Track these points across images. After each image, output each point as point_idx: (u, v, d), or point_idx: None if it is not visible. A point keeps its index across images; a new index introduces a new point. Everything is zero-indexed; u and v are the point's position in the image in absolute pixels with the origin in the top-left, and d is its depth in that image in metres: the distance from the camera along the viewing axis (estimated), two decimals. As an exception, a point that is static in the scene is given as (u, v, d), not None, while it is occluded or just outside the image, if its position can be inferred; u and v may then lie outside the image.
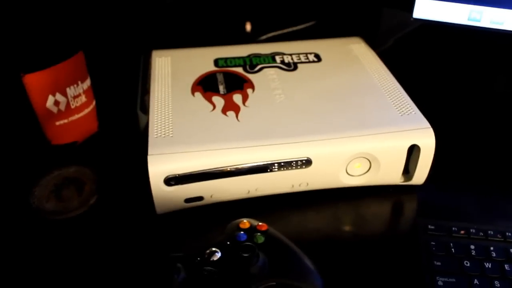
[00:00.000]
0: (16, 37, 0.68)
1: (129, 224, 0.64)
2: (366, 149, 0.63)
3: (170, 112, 0.67)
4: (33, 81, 0.68)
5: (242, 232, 0.55)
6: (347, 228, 0.64)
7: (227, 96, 0.70)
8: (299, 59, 0.80)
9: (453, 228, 0.62)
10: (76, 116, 0.74)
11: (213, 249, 0.53)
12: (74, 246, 0.62)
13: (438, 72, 0.93)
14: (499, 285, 0.55)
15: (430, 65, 0.94)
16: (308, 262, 0.55)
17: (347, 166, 0.65)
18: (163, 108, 0.68)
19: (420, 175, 0.67)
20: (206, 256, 0.52)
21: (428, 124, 0.65)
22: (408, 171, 0.68)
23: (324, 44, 0.85)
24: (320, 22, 1.03)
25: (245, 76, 0.75)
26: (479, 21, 0.77)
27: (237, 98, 0.70)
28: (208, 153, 0.61)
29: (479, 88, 0.90)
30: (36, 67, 0.67)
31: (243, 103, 0.69)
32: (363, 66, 0.78)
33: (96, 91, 0.77)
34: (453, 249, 0.59)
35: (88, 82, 0.75)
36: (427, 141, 0.64)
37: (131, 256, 0.60)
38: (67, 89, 0.71)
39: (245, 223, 0.56)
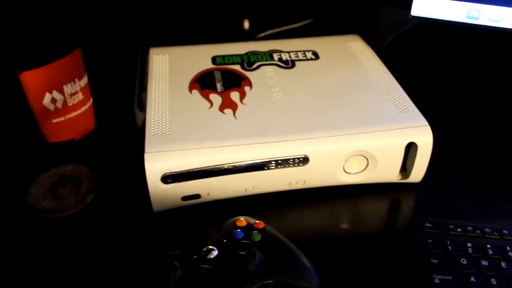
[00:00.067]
0: (13, 34, 0.68)
1: (126, 222, 0.64)
2: (363, 146, 0.63)
3: (167, 110, 0.67)
4: (30, 78, 0.68)
5: (239, 230, 0.55)
6: (344, 226, 0.64)
7: (224, 94, 0.70)
8: (297, 56, 0.80)
9: (450, 226, 0.62)
10: (73, 114, 0.74)
11: (210, 247, 0.53)
12: (71, 244, 0.62)
13: (436, 70, 0.93)
14: (495, 283, 0.55)
15: (428, 63, 0.94)
16: (305, 260, 0.55)
17: (344, 163, 0.65)
18: (160, 105, 0.68)
19: (418, 173, 0.67)
20: (203, 254, 0.52)
21: (425, 122, 0.65)
22: (405, 169, 0.68)
23: (322, 41, 0.85)
24: (318, 19, 1.03)
25: (242, 73, 0.75)
26: (477, 19, 0.76)
27: (234, 95, 0.70)
28: (205, 150, 0.61)
29: (477, 86, 0.90)
30: (33, 64, 0.67)
31: (241, 100, 0.69)
32: (361, 64, 0.78)
33: (93, 89, 0.77)
34: (450, 247, 0.59)
35: (85, 80, 0.75)
36: (424, 138, 0.64)
37: (128, 254, 0.60)
38: (64, 87, 0.71)
39: (242, 221, 0.56)
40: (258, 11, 1.04)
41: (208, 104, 0.68)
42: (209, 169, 0.61)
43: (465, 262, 0.57)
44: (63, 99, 0.72)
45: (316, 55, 0.80)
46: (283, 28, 1.01)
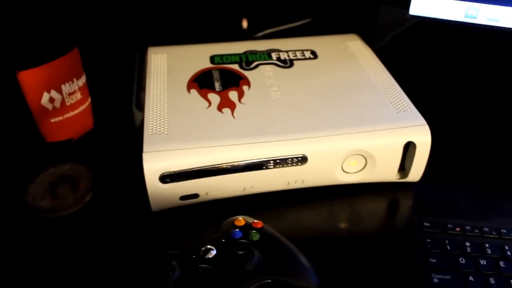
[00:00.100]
0: (11, 34, 0.68)
1: (124, 222, 0.64)
2: (362, 146, 0.63)
3: (166, 109, 0.67)
4: (28, 78, 0.68)
5: (237, 230, 0.55)
6: (342, 225, 0.64)
7: (222, 93, 0.70)
8: (295, 56, 0.80)
9: (449, 225, 0.62)
10: (71, 113, 0.74)
11: (208, 246, 0.53)
12: (69, 244, 0.62)
13: (434, 69, 0.93)
14: (494, 282, 0.55)
15: (427, 62, 0.94)
16: (303, 259, 0.55)
17: (343, 163, 0.65)
18: (158, 105, 0.68)
19: (416, 172, 0.67)
20: (201, 253, 0.52)
21: (424, 121, 0.65)
22: (404, 168, 0.68)
23: (320, 41, 0.85)
24: (317, 19, 1.03)
25: (241, 73, 0.75)
26: (475, 18, 0.77)
27: (232, 95, 0.70)
28: (203, 150, 0.61)
29: (475, 85, 0.90)
30: (31, 64, 0.67)
31: (239, 100, 0.69)
32: (360, 63, 0.78)
33: (91, 88, 0.77)
34: (448, 246, 0.59)
35: (83, 79, 0.75)
36: (423, 138, 0.64)
37: (126, 254, 0.60)
38: (62, 86, 0.71)
39: (241, 220, 0.56)
40: (257, 10, 1.04)
41: (207, 104, 0.68)
42: (208, 168, 0.61)
43: (463, 262, 0.57)
44: (61, 99, 0.72)
45: (314, 55, 0.80)
46: (282, 27, 1.01)
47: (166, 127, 0.64)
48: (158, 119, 0.65)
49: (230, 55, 0.79)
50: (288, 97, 0.69)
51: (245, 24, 1.04)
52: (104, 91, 0.82)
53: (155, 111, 0.67)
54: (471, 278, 0.56)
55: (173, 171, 0.60)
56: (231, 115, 0.66)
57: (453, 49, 0.95)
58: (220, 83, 0.72)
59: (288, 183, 0.65)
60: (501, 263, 0.57)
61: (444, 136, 0.72)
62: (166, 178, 0.60)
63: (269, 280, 0.52)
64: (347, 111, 0.67)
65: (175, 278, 0.50)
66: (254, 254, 0.52)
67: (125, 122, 0.76)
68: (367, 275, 0.58)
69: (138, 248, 0.61)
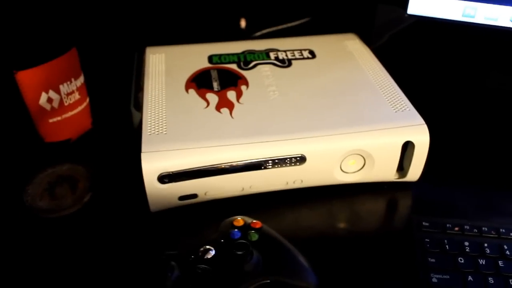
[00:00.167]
0: (8, 34, 0.67)
1: (123, 222, 0.64)
2: (360, 146, 0.63)
3: (164, 109, 0.67)
4: (26, 78, 0.67)
5: (236, 230, 0.55)
6: (341, 225, 0.64)
7: (221, 93, 0.70)
8: (294, 55, 0.80)
9: (448, 225, 0.62)
10: (70, 114, 0.74)
11: (207, 247, 0.53)
12: (68, 244, 0.61)
13: (432, 68, 0.93)
14: (493, 282, 0.55)
15: (425, 61, 0.94)
16: (302, 259, 0.55)
17: (341, 163, 0.65)
18: (156, 105, 0.68)
19: (415, 172, 0.67)
20: (200, 254, 0.52)
21: (422, 121, 0.65)
22: (402, 167, 0.68)
23: (318, 40, 0.85)
24: (315, 18, 1.03)
25: (239, 72, 0.75)
26: (473, 17, 0.77)
27: (231, 95, 0.70)
28: (202, 150, 0.61)
29: (473, 84, 0.90)
30: (29, 64, 0.67)
31: (237, 100, 0.69)
32: (358, 63, 0.78)
33: (89, 88, 0.77)
34: (447, 246, 0.59)
35: (81, 79, 0.75)
36: (421, 137, 0.64)
37: (125, 254, 0.60)
38: (61, 86, 0.71)
39: (239, 220, 0.56)
40: (255, 10, 1.04)
41: (205, 104, 0.68)
42: (206, 168, 0.61)
43: (462, 261, 0.57)
44: (60, 99, 0.72)
45: (312, 54, 0.80)
46: (280, 27, 1.01)
47: (165, 127, 0.64)
48: (157, 119, 0.65)
49: (228, 54, 0.79)
50: (286, 97, 0.69)
51: (243, 23, 1.04)
52: (102, 91, 0.82)
53: (153, 111, 0.67)
54: (470, 278, 0.56)
55: (171, 171, 0.60)
56: (229, 115, 0.66)
57: (451, 49, 0.95)
58: (218, 83, 0.72)
59: (287, 183, 0.65)
60: (500, 263, 0.57)
61: (443, 135, 0.72)
62: (165, 178, 0.60)
63: (268, 281, 0.52)
64: (346, 110, 0.67)
65: (174, 279, 0.50)
66: (253, 254, 0.52)
67: (123, 122, 0.76)
68: (366, 275, 0.58)
69: (137, 248, 0.61)
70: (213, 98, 0.69)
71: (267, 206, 0.66)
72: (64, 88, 0.72)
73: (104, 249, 0.61)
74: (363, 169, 0.66)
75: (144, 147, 0.60)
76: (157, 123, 0.64)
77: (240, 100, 0.69)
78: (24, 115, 0.70)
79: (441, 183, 0.70)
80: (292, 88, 0.71)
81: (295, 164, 0.63)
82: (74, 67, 0.73)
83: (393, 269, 0.58)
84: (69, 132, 0.75)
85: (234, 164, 0.61)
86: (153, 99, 0.69)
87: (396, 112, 0.67)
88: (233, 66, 0.76)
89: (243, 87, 0.71)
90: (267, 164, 0.62)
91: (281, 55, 0.79)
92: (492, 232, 0.61)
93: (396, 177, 0.68)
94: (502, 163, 0.73)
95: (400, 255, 0.60)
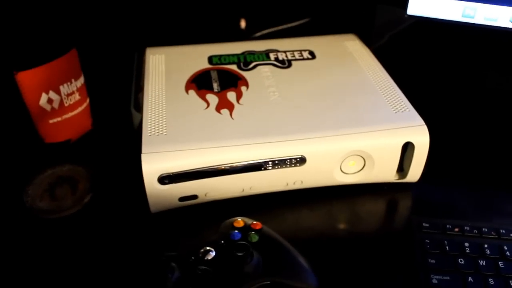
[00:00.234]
0: (9, 34, 0.67)
1: (123, 223, 0.64)
2: (360, 146, 0.63)
3: (164, 110, 0.67)
4: (26, 79, 0.67)
5: (236, 231, 0.55)
6: (341, 226, 0.64)
7: (221, 94, 0.70)
8: (293, 56, 0.80)
9: (448, 226, 0.62)
10: (70, 114, 0.74)
11: (207, 248, 0.53)
12: (68, 245, 0.61)
13: (432, 69, 0.93)
14: (493, 283, 0.55)
15: (424, 62, 0.94)
16: (302, 260, 0.55)
17: (341, 164, 0.65)
18: (156, 106, 0.68)
19: (415, 173, 0.67)
20: (200, 255, 0.52)
21: (422, 122, 0.65)
22: (402, 168, 0.68)
23: (318, 41, 0.85)
24: (315, 19, 1.03)
25: (239, 73, 0.75)
26: (473, 17, 0.77)
27: (231, 95, 0.70)
28: (202, 151, 0.61)
29: (473, 85, 0.90)
30: (29, 64, 0.67)
31: (237, 100, 0.69)
32: (358, 63, 0.78)
33: (89, 89, 0.77)
34: (447, 247, 0.59)
35: (81, 80, 0.75)
36: (421, 138, 0.64)
37: (125, 255, 0.60)
38: (61, 87, 0.71)
39: (239, 221, 0.56)
40: (255, 11, 1.04)
41: (205, 104, 0.68)
42: (206, 169, 0.61)
43: (462, 262, 0.57)
44: (60, 100, 0.72)
45: (312, 55, 0.80)
46: (280, 28, 1.01)
47: (165, 128, 0.64)
48: (157, 120, 0.65)
49: (228, 55, 0.79)
50: (286, 98, 0.69)
51: (243, 24, 1.04)
52: (102, 92, 0.82)
53: (153, 112, 0.67)
54: (470, 278, 0.56)
55: (172, 172, 0.60)
56: (229, 116, 0.66)
57: (451, 49, 0.95)
58: (218, 83, 0.72)
59: (287, 184, 0.65)
60: (500, 264, 0.57)
61: (443, 136, 0.72)
62: (165, 179, 0.60)
63: (268, 282, 0.52)
64: (345, 111, 0.67)
65: (174, 280, 0.50)
66: (253, 255, 0.52)
67: (123, 123, 0.76)
68: (366, 276, 0.58)
69: (137, 249, 0.61)
70: (213, 99, 0.69)
71: (267, 207, 0.66)
72: (64, 89, 0.72)
73: (105, 250, 0.61)
74: (363, 170, 0.66)
75: (144, 148, 0.60)
76: (157, 124, 0.64)
77: (240, 101, 0.69)
78: (24, 116, 0.70)
79: (441, 184, 0.70)
80: (292, 89, 0.71)
81: (295, 165, 0.63)
82: (74, 68, 0.73)
83: (393, 270, 0.58)
84: (69, 133, 0.75)
85: (234, 165, 0.61)
86: (153, 100, 0.69)
87: (396, 113, 0.67)
88: (233, 67, 0.76)
89: (243, 88, 0.71)
90: (267, 165, 0.62)
91: (281, 56, 0.79)
92: (492, 233, 0.61)
93: (396, 178, 0.68)
94: (502, 163, 0.73)
95: (400, 256, 0.60)
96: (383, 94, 0.70)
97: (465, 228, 0.61)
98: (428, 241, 0.60)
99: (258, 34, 1.00)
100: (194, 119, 0.65)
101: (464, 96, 0.87)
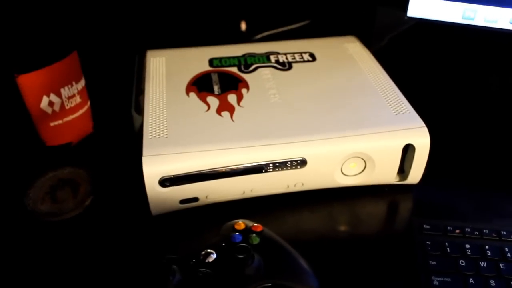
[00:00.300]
0: (10, 37, 0.68)
1: (124, 226, 0.64)
2: (361, 148, 0.63)
3: (165, 113, 0.67)
4: (27, 81, 0.68)
5: (237, 233, 0.55)
6: (342, 228, 0.64)
7: (221, 96, 0.70)
8: (294, 58, 0.80)
9: (449, 228, 0.62)
10: (71, 117, 0.74)
11: (208, 250, 0.53)
12: (70, 248, 0.62)
13: (432, 70, 0.93)
14: (494, 284, 0.55)
15: (425, 63, 0.94)
16: (303, 262, 0.55)
17: (342, 166, 0.65)
18: (157, 108, 0.68)
19: (415, 175, 0.67)
20: (201, 257, 0.52)
21: (422, 123, 0.65)
22: (403, 170, 0.68)
23: (318, 43, 0.85)
24: (315, 21, 1.03)
25: (239, 76, 0.75)
26: (473, 19, 0.77)
27: (231, 98, 0.70)
28: (203, 153, 0.61)
29: (473, 87, 0.91)
30: (30, 67, 0.67)
31: (238, 103, 0.69)
32: (358, 65, 0.78)
33: (90, 92, 0.77)
34: (448, 249, 0.59)
35: (82, 83, 0.75)
36: (422, 140, 0.64)
37: (126, 258, 0.60)
38: (62, 90, 0.71)
39: (240, 224, 0.56)
40: (255, 13, 1.04)
41: (206, 107, 0.68)
42: (207, 172, 0.61)
43: (463, 264, 0.57)
44: (61, 102, 0.72)
45: (313, 57, 0.80)
46: (280, 30, 1.01)
47: (166, 130, 0.64)
48: (157, 123, 0.65)
49: (228, 58, 0.79)
50: (287, 100, 0.69)
51: (243, 26, 1.04)
52: (103, 95, 0.82)
53: (154, 114, 0.67)
54: (471, 280, 0.56)
55: (172, 175, 0.60)
56: (230, 118, 0.66)
57: (451, 51, 0.95)
58: (219, 86, 0.72)
59: (288, 186, 0.65)
60: (501, 265, 0.57)
61: (443, 138, 0.72)
62: (166, 182, 0.60)
63: (269, 284, 0.52)
64: (346, 113, 0.67)
65: (175, 282, 0.50)
66: (254, 257, 0.52)
67: (124, 126, 0.76)
68: (367, 278, 0.58)
69: (138, 252, 0.61)
70: (213, 101, 0.69)
71: (268, 210, 0.66)
72: (65, 92, 0.72)
73: (106, 253, 0.61)
74: (363, 172, 0.66)
75: (145, 151, 0.61)
76: (158, 127, 0.64)
77: (241, 104, 0.69)
78: (25, 119, 0.70)
79: (442, 185, 0.70)
80: (293, 91, 0.71)
81: (296, 167, 0.63)
82: (75, 71, 0.73)
83: (394, 272, 0.58)
84: (70, 136, 0.75)
85: (235, 167, 0.61)
86: (154, 103, 0.69)
87: (396, 114, 0.67)
88: (234, 69, 0.77)
89: (243, 91, 0.72)
90: (268, 168, 0.62)
91: (282, 58, 0.80)
92: (493, 234, 0.61)
93: (397, 179, 0.68)
94: (503, 165, 0.73)
95: (401, 258, 0.60)
96: (384, 96, 0.70)
97: (466, 229, 0.61)
98: (429, 242, 0.60)
99: (259, 36, 1.00)
100: (195, 122, 0.65)
101: (464, 97, 0.87)
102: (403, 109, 0.68)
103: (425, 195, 0.69)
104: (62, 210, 0.66)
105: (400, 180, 0.68)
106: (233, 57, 0.80)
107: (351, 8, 1.02)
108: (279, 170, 0.62)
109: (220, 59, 0.79)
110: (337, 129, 0.64)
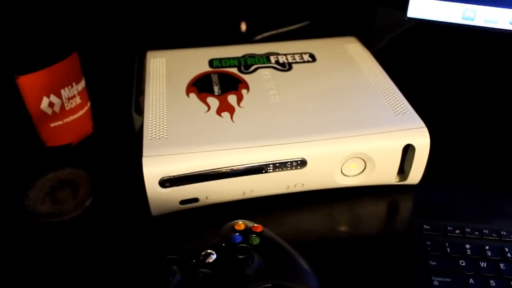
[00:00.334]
0: (10, 38, 0.68)
1: (124, 226, 0.64)
2: (361, 149, 0.63)
3: (165, 114, 0.67)
4: (27, 82, 0.68)
5: (237, 234, 0.55)
6: (342, 228, 0.64)
7: (221, 97, 0.70)
8: (294, 59, 0.80)
9: (449, 228, 0.62)
10: (71, 118, 0.74)
11: (209, 251, 0.53)
12: (70, 248, 0.62)
13: (432, 71, 0.93)
14: (494, 285, 0.55)
15: (425, 64, 0.94)
16: (303, 263, 0.55)
17: (342, 166, 0.65)
18: (157, 109, 0.68)
19: (415, 175, 0.67)
20: (201, 258, 0.52)
21: (422, 124, 0.65)
22: (403, 170, 0.68)
23: (318, 43, 0.85)
24: (315, 21, 1.03)
25: (239, 76, 0.75)
26: (473, 20, 0.77)
27: (231, 99, 0.70)
28: (203, 154, 0.61)
29: (473, 87, 0.91)
30: (30, 68, 0.67)
31: (238, 104, 0.69)
32: (358, 66, 0.78)
33: (90, 93, 0.77)
34: (448, 249, 0.59)
35: (82, 84, 0.75)
36: (421, 140, 0.64)
37: (126, 259, 0.60)
38: (62, 91, 0.71)
39: (240, 224, 0.56)
40: (255, 14, 1.04)
41: (206, 108, 0.68)
42: (207, 172, 0.61)
43: (463, 264, 0.57)
44: (61, 103, 0.72)
45: (313, 57, 0.80)
46: (280, 30, 1.01)
47: (166, 131, 0.64)
48: (158, 124, 0.65)
49: (228, 58, 0.79)
50: (287, 101, 0.70)
51: (243, 27, 1.04)
52: (103, 96, 0.82)
53: (154, 115, 0.67)
54: (471, 280, 0.56)
55: (172, 176, 0.60)
56: (230, 119, 0.66)
57: (451, 51, 0.95)
58: (219, 87, 0.72)
59: (288, 187, 0.65)
60: (502, 265, 0.57)
61: (443, 138, 0.72)
62: (166, 182, 0.60)
63: (269, 284, 0.52)
64: (346, 114, 0.67)
65: (175, 283, 0.50)
66: (254, 258, 0.52)
67: (124, 127, 0.76)
68: (367, 278, 0.58)
69: (138, 252, 0.61)
70: (214, 102, 0.69)
71: (268, 210, 0.66)
72: (65, 93, 0.72)
73: (106, 254, 0.61)
74: (364, 172, 0.66)
75: (145, 152, 0.61)
76: (158, 127, 0.64)
77: (241, 104, 0.69)
78: (25, 120, 0.70)
79: (442, 185, 0.70)
80: (293, 92, 0.71)
81: (296, 168, 0.63)
82: (75, 72, 0.73)
83: (394, 272, 0.58)
84: (70, 137, 0.76)
85: (235, 168, 0.61)
86: (154, 103, 0.69)
87: (396, 115, 0.67)
88: (234, 70, 0.77)
89: (243, 91, 0.72)
90: (268, 168, 0.62)
91: (282, 59, 0.80)
92: (493, 234, 0.61)
93: (397, 180, 0.68)
94: (503, 165, 0.73)
95: (401, 258, 0.60)
96: (384, 97, 0.70)
97: (466, 230, 0.61)
98: (429, 243, 0.60)
99: (259, 37, 1.00)
100: (195, 122, 0.65)
101: (464, 98, 0.87)
102: (403, 110, 0.68)
103: (425, 195, 0.69)
104: (62, 210, 0.66)
105: (400, 181, 0.68)
106: (233, 58, 0.80)
107: (351, 8, 1.02)
108: (279, 170, 0.62)
109: (220, 59, 0.79)
110: (337, 129, 0.64)
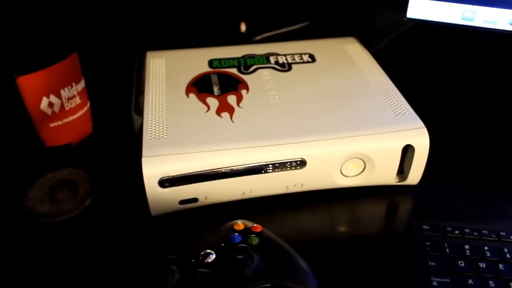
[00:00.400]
0: (10, 38, 0.68)
1: (123, 226, 0.64)
2: (360, 149, 0.63)
3: (164, 114, 0.67)
4: (27, 82, 0.68)
5: (236, 234, 0.55)
6: (342, 228, 0.64)
7: (221, 97, 0.70)
8: (294, 59, 0.80)
9: (448, 228, 0.62)
10: (71, 118, 0.74)
11: (208, 251, 0.53)
12: (69, 248, 0.62)
13: (432, 72, 0.93)
14: (493, 285, 0.55)
15: (424, 65, 0.94)
16: (302, 263, 0.55)
17: (341, 166, 0.65)
18: (157, 109, 0.68)
19: (415, 175, 0.67)
20: (200, 258, 0.52)
21: (422, 124, 0.65)
22: (402, 171, 0.68)
23: (318, 44, 0.85)
24: (315, 22, 1.03)
25: (239, 77, 0.75)
26: (472, 20, 0.77)
27: (231, 99, 0.70)
28: (202, 154, 0.61)
29: (473, 88, 0.91)
30: (30, 68, 0.67)
31: (238, 104, 0.69)
32: (358, 66, 0.78)
33: (90, 93, 0.77)
34: (447, 249, 0.59)
35: (82, 84, 0.75)
36: (421, 141, 0.64)
37: (126, 258, 0.60)
38: (61, 91, 0.71)
39: (240, 224, 0.56)
40: (255, 14, 1.04)
41: (205, 108, 0.68)
42: (207, 173, 0.61)
43: (462, 265, 0.57)
44: (61, 103, 0.72)
45: (312, 58, 0.80)
46: (280, 31, 1.01)
47: (165, 131, 0.64)
48: (157, 124, 0.65)
49: (228, 59, 0.80)
50: (286, 101, 0.70)
51: (243, 27, 1.04)
52: (103, 96, 0.82)
53: (154, 115, 0.67)
54: (470, 281, 0.56)
55: (172, 176, 0.60)
56: (229, 119, 0.66)
57: (451, 52, 0.95)
58: (218, 87, 0.72)
59: (287, 187, 0.65)
60: (501, 266, 0.57)
61: (443, 138, 0.72)
62: (165, 182, 0.60)
63: (269, 284, 0.52)
64: (346, 114, 0.67)
65: (174, 283, 0.50)
66: (254, 258, 0.52)
67: (124, 127, 0.76)
68: (366, 278, 0.58)
69: (137, 252, 0.61)
70: (213, 102, 0.69)
71: (267, 210, 0.66)
72: (65, 93, 0.72)
73: (105, 254, 0.61)
74: (363, 172, 0.66)
75: (144, 152, 0.61)
76: (158, 128, 0.64)
77: (241, 104, 0.69)
78: (25, 120, 0.70)
79: (441, 186, 0.70)
80: (292, 92, 0.71)
81: (296, 168, 0.63)
82: (75, 72, 0.73)
83: (393, 272, 0.58)
84: (70, 137, 0.76)
85: (234, 168, 0.61)
86: (154, 104, 0.69)
87: (396, 115, 0.67)
88: (234, 71, 0.77)
89: (243, 91, 0.72)
90: (268, 168, 0.62)
91: (281, 59, 0.80)
92: (492, 235, 0.61)
93: (396, 180, 0.68)
94: (502, 166, 0.73)
95: (400, 258, 0.60)
96: (383, 97, 0.70)
97: (465, 230, 0.62)
98: (428, 243, 0.60)
99: (258, 37, 1.00)
100: (195, 123, 0.65)
101: (464, 98, 0.87)
102: (403, 110, 0.68)
103: (425, 196, 0.69)
104: (61, 210, 0.66)
105: (399, 181, 0.68)
106: (233, 58, 0.80)
107: (351, 9, 1.02)
108: (278, 170, 0.62)
109: (220, 60, 0.79)
110: (337, 130, 0.64)
